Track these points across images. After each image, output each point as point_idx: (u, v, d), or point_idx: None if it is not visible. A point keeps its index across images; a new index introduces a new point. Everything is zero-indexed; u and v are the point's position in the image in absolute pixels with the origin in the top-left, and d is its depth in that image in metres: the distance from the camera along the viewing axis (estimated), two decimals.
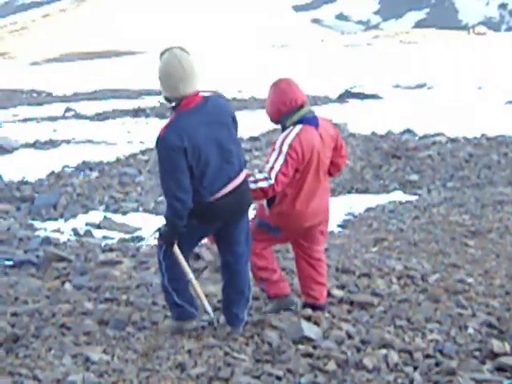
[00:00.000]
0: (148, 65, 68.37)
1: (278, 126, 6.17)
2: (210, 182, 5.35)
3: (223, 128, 5.41)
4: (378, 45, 79.18)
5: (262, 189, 5.78)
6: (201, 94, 5.42)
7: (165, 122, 5.38)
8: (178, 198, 5.25)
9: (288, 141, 5.87)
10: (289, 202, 6.02)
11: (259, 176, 5.80)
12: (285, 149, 5.84)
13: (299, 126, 5.95)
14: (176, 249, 5.52)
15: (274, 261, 6.40)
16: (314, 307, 6.27)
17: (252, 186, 5.73)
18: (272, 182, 5.78)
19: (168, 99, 5.43)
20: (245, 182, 5.57)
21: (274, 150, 5.90)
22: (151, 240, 10.43)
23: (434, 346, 5.65)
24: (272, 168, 5.80)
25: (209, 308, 5.71)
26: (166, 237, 5.48)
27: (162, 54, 5.41)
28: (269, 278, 6.29)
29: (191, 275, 5.61)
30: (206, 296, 6.53)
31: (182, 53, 5.35)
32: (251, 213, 6.09)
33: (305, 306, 6.35)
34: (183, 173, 5.24)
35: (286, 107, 5.99)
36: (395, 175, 16.29)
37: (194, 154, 5.23)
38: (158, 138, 5.26)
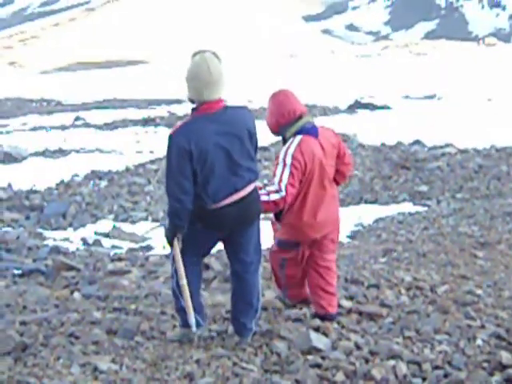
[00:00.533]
0: (157, 74, 68.54)
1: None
2: (214, 191, 5.35)
3: (236, 140, 5.37)
4: (388, 55, 79.16)
5: (274, 201, 5.81)
6: (225, 103, 5.42)
7: None
8: (179, 199, 5.29)
9: (290, 152, 5.92)
10: (295, 214, 6.06)
11: (270, 188, 5.84)
12: (288, 161, 5.88)
13: (299, 137, 5.99)
14: (176, 250, 5.52)
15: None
16: (324, 317, 6.26)
17: (265, 198, 5.76)
18: (283, 193, 5.81)
19: (191, 100, 5.44)
20: (252, 192, 5.54)
21: (278, 163, 5.95)
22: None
23: (443, 358, 5.63)
24: (281, 180, 5.84)
25: (192, 320, 5.60)
26: (166, 235, 5.52)
27: (194, 55, 5.38)
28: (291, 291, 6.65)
29: (184, 281, 5.55)
30: (215, 306, 6.53)
31: (212, 58, 5.33)
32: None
33: (315, 316, 6.34)
34: (186, 175, 5.26)
35: (285, 119, 6.05)
36: (404, 186, 16.28)
37: (199, 158, 5.24)
38: (169, 136, 5.30)
